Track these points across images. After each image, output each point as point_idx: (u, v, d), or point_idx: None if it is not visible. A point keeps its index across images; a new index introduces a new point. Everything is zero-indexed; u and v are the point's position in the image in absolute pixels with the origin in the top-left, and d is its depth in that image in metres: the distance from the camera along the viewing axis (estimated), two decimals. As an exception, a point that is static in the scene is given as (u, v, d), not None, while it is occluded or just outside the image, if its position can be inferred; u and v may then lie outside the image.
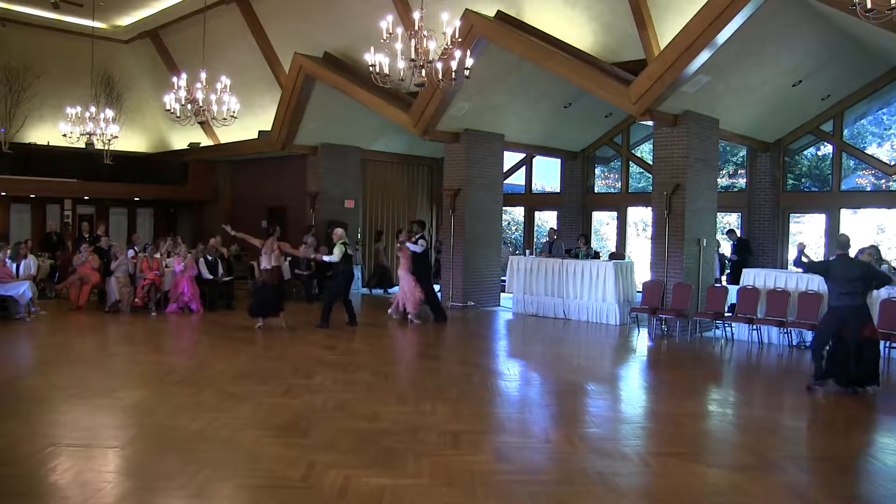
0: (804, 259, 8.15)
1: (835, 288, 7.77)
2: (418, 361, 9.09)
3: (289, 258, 15.16)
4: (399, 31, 8.09)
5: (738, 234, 14.33)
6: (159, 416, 6.26)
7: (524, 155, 17.23)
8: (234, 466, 5.09)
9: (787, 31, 10.15)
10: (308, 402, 6.79)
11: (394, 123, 14.61)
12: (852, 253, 8.15)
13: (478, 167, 14.31)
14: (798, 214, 14.70)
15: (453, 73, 8.13)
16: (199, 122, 14.33)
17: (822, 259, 8.40)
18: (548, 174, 18.04)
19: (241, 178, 20.43)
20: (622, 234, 16.13)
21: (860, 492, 5.01)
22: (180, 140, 20.53)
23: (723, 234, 14.41)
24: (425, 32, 7.99)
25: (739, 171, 16.12)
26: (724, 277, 14.07)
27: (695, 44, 9.81)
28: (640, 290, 12.23)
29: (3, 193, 17.71)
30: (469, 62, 8.43)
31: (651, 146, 12.99)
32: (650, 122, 11.47)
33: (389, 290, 16.32)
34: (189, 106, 11.15)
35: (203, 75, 11.22)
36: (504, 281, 14.47)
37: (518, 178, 17.84)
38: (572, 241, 14.63)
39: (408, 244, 12.09)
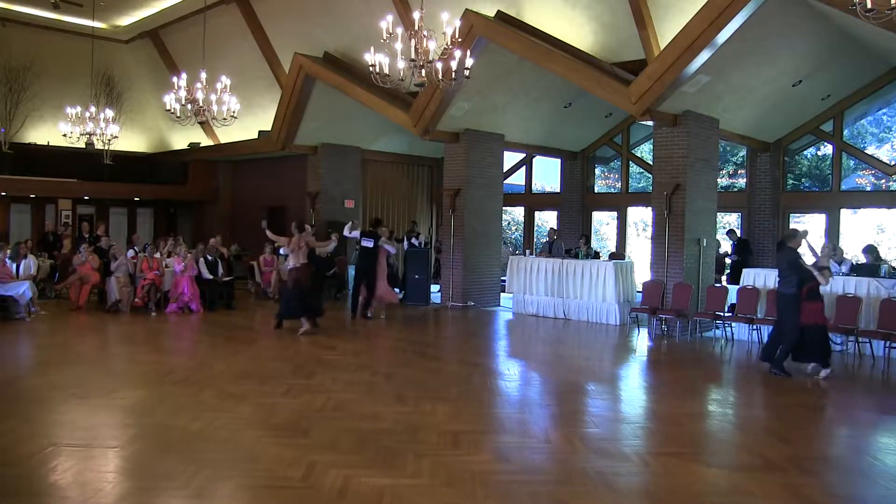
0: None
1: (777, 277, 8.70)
2: (418, 361, 9.09)
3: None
4: (399, 31, 8.08)
5: (738, 234, 14.33)
6: (159, 416, 6.26)
7: (524, 155, 17.23)
8: (234, 466, 5.09)
9: (787, 31, 10.15)
10: (308, 402, 6.79)
11: (394, 123, 14.61)
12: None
13: (478, 167, 14.32)
14: (798, 214, 14.69)
15: (453, 73, 8.12)
16: (199, 122, 14.31)
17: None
18: (548, 174, 18.05)
19: (241, 178, 20.44)
20: (622, 234, 16.13)
21: (860, 492, 5.01)
22: (180, 140, 20.53)
23: (723, 234, 14.40)
24: (425, 32, 7.99)
25: (739, 171, 16.12)
26: (724, 277, 14.07)
27: (695, 44, 9.81)
28: (640, 290, 12.23)
29: (3, 193, 17.71)
30: (469, 62, 8.43)
31: (651, 146, 12.99)
32: (650, 122, 11.47)
33: (396, 290, 16.30)
34: (189, 106, 11.14)
35: (203, 75, 11.21)
36: (504, 281, 14.48)
37: (518, 178, 17.84)
38: (572, 241, 14.64)
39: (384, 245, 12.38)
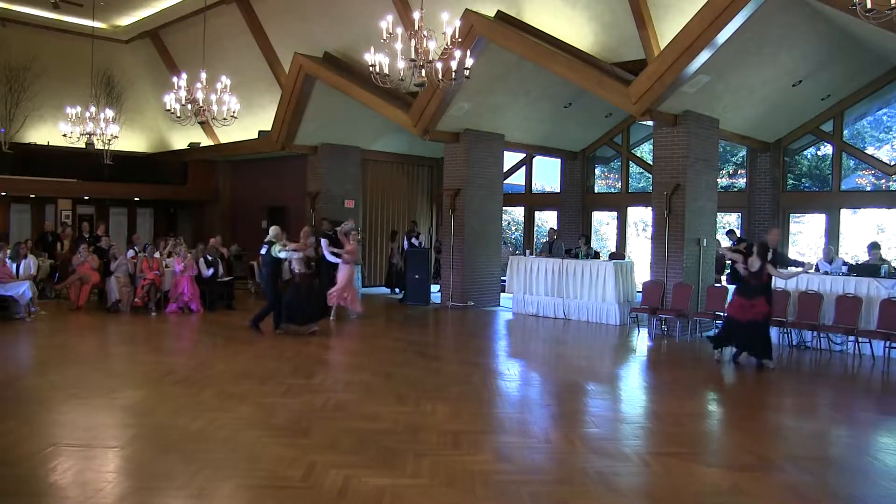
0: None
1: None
2: (418, 361, 9.09)
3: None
4: (399, 31, 8.08)
5: (738, 234, 14.33)
6: (159, 416, 6.26)
7: (524, 155, 17.24)
8: (234, 466, 5.09)
9: (787, 31, 10.15)
10: (308, 402, 6.79)
11: (394, 123, 14.61)
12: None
13: (478, 167, 14.32)
14: (798, 214, 14.71)
15: (453, 73, 8.12)
16: (199, 122, 14.31)
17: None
18: (548, 174, 18.05)
19: (241, 178, 20.44)
20: (622, 234, 16.13)
21: (860, 492, 5.01)
22: (180, 140, 20.53)
23: (723, 234, 14.40)
24: (425, 32, 7.99)
25: (739, 171, 16.12)
26: (723, 277, 14.06)
27: (695, 44, 9.81)
28: (640, 290, 12.23)
29: (3, 193, 17.71)
30: (469, 62, 8.43)
31: (651, 146, 12.99)
32: (650, 122, 11.47)
33: (397, 290, 16.34)
34: (189, 106, 11.14)
35: (203, 75, 11.21)
36: (504, 281, 14.48)
37: (518, 178, 17.84)
38: (572, 241, 14.64)
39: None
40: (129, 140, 19.99)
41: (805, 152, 14.70)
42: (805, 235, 15.61)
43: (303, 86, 15.22)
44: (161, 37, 18.91)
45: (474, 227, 14.29)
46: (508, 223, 19.72)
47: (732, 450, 5.93)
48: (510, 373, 8.82)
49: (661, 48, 11.00)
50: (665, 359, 9.94)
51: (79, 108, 14.02)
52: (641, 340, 11.12)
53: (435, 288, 15.43)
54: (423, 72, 8.12)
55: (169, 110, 11.28)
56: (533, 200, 17.81)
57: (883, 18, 6.17)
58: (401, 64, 8.08)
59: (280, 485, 4.71)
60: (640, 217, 17.20)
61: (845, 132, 13.45)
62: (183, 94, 11.02)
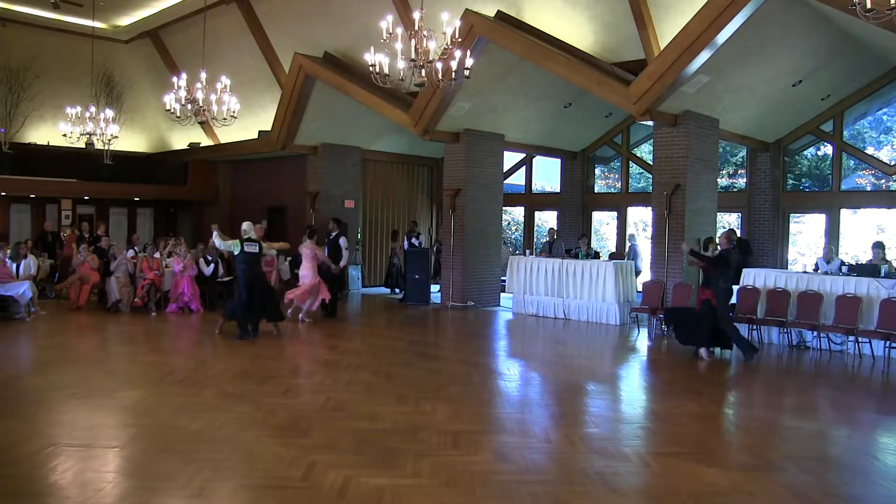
0: (704, 253, 9.73)
1: (728, 272, 9.63)
2: (418, 361, 9.09)
3: (289, 258, 15.19)
4: (399, 31, 8.08)
5: (738, 234, 14.31)
6: (159, 416, 6.26)
7: (524, 155, 17.24)
8: (234, 466, 5.09)
9: (787, 31, 10.16)
10: (308, 402, 6.79)
11: (394, 123, 14.61)
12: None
13: (478, 167, 14.32)
14: (798, 214, 14.71)
15: (453, 73, 8.12)
16: (199, 122, 14.31)
17: (717, 253, 9.76)
18: (548, 174, 18.05)
19: (241, 178, 20.44)
20: (622, 234, 16.13)
21: (860, 492, 5.01)
22: (180, 140, 20.53)
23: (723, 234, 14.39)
24: (425, 32, 7.99)
25: (739, 171, 16.12)
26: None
27: (695, 44, 9.82)
28: (640, 290, 12.23)
29: (3, 193, 17.70)
30: (469, 62, 8.43)
31: (651, 146, 12.99)
32: (650, 122, 11.47)
33: (397, 290, 16.34)
34: (189, 106, 11.15)
35: (203, 75, 11.22)
36: (504, 281, 14.48)
37: (518, 178, 17.84)
38: (572, 241, 14.64)
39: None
40: (129, 140, 19.99)
41: (805, 152, 14.70)
42: (805, 235, 15.62)
43: (303, 86, 15.22)
44: (161, 37, 18.90)
45: (474, 227, 14.29)
46: (508, 223, 19.72)
47: (732, 450, 5.92)
48: (510, 373, 8.82)
49: (661, 48, 11.00)
50: (665, 359, 9.94)
51: (79, 108, 14.02)
52: (641, 340, 11.11)
53: (435, 288, 15.44)
54: (423, 72, 8.12)
55: (169, 110, 11.28)
56: (533, 200, 17.81)
57: (883, 18, 6.17)
58: (401, 64, 8.08)
59: (280, 485, 4.71)
60: (640, 217, 17.20)
61: (845, 132, 13.45)
62: (183, 94, 11.02)
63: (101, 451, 5.29)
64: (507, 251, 17.05)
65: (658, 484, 4.97)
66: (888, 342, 9.27)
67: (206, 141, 20.03)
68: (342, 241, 12.66)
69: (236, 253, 10.23)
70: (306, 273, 11.65)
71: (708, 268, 9.44)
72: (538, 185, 18.08)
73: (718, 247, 9.84)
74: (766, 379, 8.98)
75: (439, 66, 8.12)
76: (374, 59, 8.16)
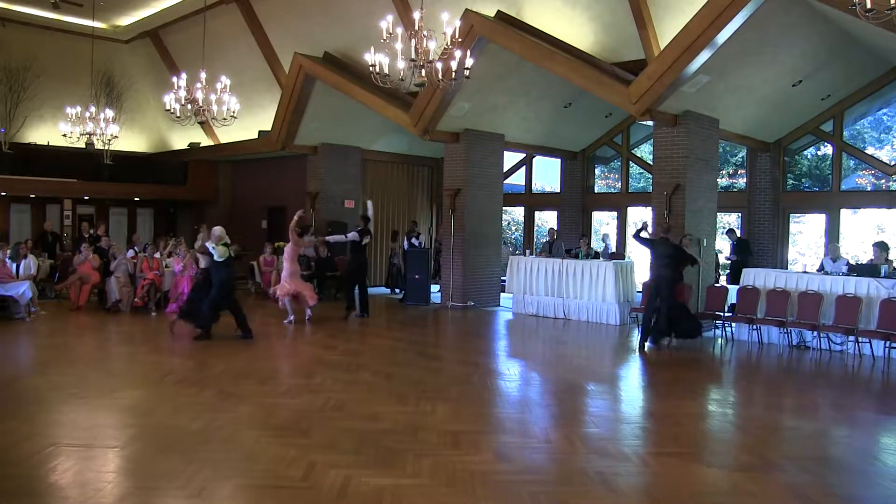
0: (643, 234, 10.50)
1: (654, 262, 10.26)
2: (418, 361, 9.08)
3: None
4: (399, 31, 8.08)
5: (738, 234, 14.33)
6: (159, 416, 6.26)
7: (524, 155, 17.24)
8: (234, 466, 5.09)
9: (787, 31, 10.15)
10: (308, 402, 6.78)
11: (394, 123, 14.61)
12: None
13: (478, 167, 14.32)
14: (798, 214, 14.71)
15: (453, 73, 8.12)
16: (199, 122, 14.32)
17: (651, 237, 10.62)
18: (548, 174, 18.05)
19: (241, 178, 20.44)
20: (622, 234, 16.12)
21: (860, 492, 5.01)
22: (180, 140, 20.54)
23: (723, 234, 14.41)
24: (425, 32, 7.99)
25: (739, 171, 16.12)
26: (723, 277, 14.08)
27: (695, 44, 9.81)
28: (640, 290, 12.22)
29: (3, 193, 17.71)
30: (469, 62, 8.43)
31: (651, 146, 12.99)
32: (650, 122, 11.47)
33: (397, 290, 16.34)
34: (189, 106, 11.15)
35: (203, 75, 11.22)
36: (504, 281, 14.47)
37: (518, 178, 17.84)
38: (572, 241, 14.64)
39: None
40: (129, 140, 19.99)
41: (805, 152, 14.70)
42: (805, 235, 15.62)
43: (303, 86, 15.23)
44: (161, 37, 18.91)
45: (474, 227, 14.29)
46: (508, 223, 19.72)
47: (732, 450, 5.92)
48: (510, 373, 8.82)
49: (661, 48, 11.00)
50: (665, 359, 9.94)
51: (79, 108, 14.03)
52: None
53: (435, 288, 15.44)
54: (423, 72, 8.12)
55: (169, 110, 11.28)
56: (533, 200, 17.81)
57: (883, 18, 6.17)
58: (401, 64, 8.08)
59: (280, 485, 4.71)
60: (640, 217, 17.19)
61: (845, 132, 13.45)
62: (183, 94, 11.02)
63: (101, 451, 5.29)
64: (507, 251, 17.05)
65: (658, 484, 4.97)
66: (888, 342, 9.27)
67: (206, 141, 20.04)
68: (353, 233, 12.55)
69: (221, 259, 10.01)
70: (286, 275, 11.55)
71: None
72: (538, 185, 18.09)
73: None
74: (766, 379, 8.98)
75: (439, 66, 8.12)
76: (374, 59, 8.16)
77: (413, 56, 8.06)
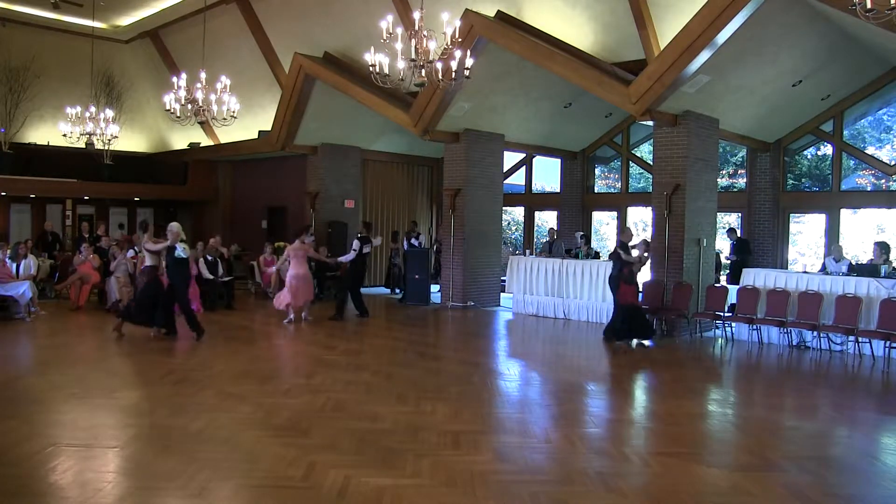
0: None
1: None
2: (418, 361, 9.09)
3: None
4: (399, 31, 8.08)
5: (739, 234, 14.33)
6: (159, 416, 6.26)
7: (524, 155, 17.24)
8: (234, 466, 5.09)
9: (787, 31, 10.15)
10: (308, 402, 6.79)
11: (394, 123, 14.61)
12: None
13: (478, 167, 14.32)
14: (798, 214, 14.71)
15: (453, 73, 8.12)
16: (199, 122, 14.31)
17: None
18: (548, 174, 18.05)
19: (241, 178, 20.44)
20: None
21: (860, 492, 5.01)
22: (180, 140, 20.53)
23: (723, 233, 14.41)
24: (425, 32, 7.99)
25: (739, 171, 16.12)
26: (723, 277, 14.08)
27: (695, 44, 9.81)
28: (641, 289, 12.21)
29: (3, 193, 17.71)
30: (469, 62, 8.42)
31: (651, 146, 12.99)
32: (650, 122, 11.47)
33: (397, 290, 16.34)
34: (189, 106, 11.14)
35: (203, 75, 11.21)
36: (504, 281, 14.47)
37: (518, 178, 17.84)
38: (572, 241, 14.63)
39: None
40: (129, 140, 19.99)
41: (805, 152, 14.70)
42: (805, 235, 15.62)
43: (303, 86, 15.22)
44: (161, 37, 18.91)
45: (474, 227, 14.29)
46: (508, 223, 19.72)
47: (732, 450, 5.92)
48: (510, 373, 8.82)
49: (661, 48, 11.00)
50: (665, 359, 9.94)
51: (79, 108, 14.02)
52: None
53: (435, 288, 15.44)
54: (423, 72, 8.12)
55: (169, 110, 11.27)
56: (533, 200, 17.81)
57: (883, 18, 6.17)
58: (401, 64, 8.08)
59: (280, 485, 4.71)
60: (640, 217, 17.20)
61: (845, 132, 13.44)
62: (183, 94, 11.02)
63: (101, 451, 5.29)
64: (507, 251, 17.05)
65: (658, 484, 4.97)
66: (888, 342, 9.27)
67: (206, 141, 20.04)
68: (355, 242, 12.51)
69: (186, 255, 9.98)
70: (294, 273, 11.53)
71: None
72: (538, 185, 18.09)
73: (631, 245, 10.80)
74: (766, 379, 8.99)
75: (439, 66, 8.12)
76: (374, 59, 8.16)
77: (413, 56, 8.06)
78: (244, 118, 15.69)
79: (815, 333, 10.11)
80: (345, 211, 16.96)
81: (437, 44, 8.25)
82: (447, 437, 5.76)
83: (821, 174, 14.65)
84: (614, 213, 16.65)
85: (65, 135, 14.08)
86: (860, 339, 9.66)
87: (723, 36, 9.62)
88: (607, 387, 8.26)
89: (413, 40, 8.03)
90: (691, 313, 11.15)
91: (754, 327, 10.66)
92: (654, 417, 6.81)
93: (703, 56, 9.92)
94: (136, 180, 19.62)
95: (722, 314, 10.93)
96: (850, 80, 12.51)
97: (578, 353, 10.41)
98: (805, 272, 10.96)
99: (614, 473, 5.05)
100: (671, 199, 11.24)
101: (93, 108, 14.19)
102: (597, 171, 17.21)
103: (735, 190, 15.80)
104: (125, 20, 18.11)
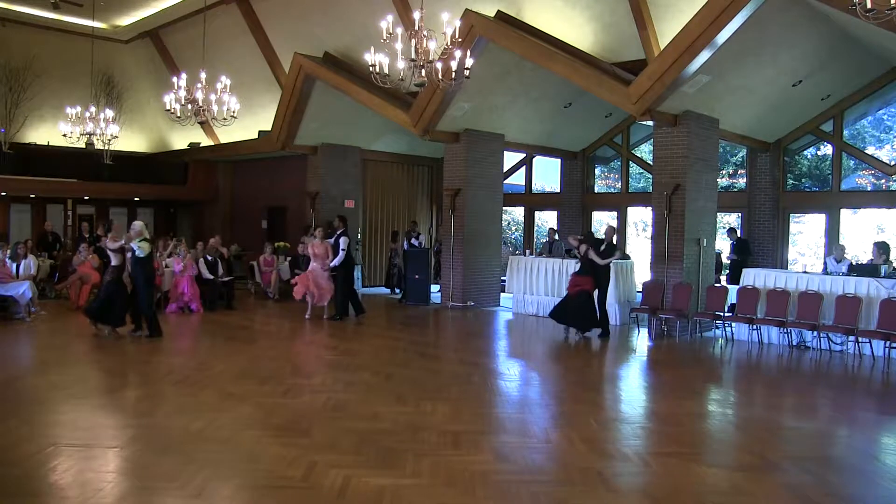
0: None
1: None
2: (418, 361, 9.09)
3: (289, 258, 15.19)
4: (399, 31, 8.08)
5: (739, 234, 14.33)
6: (159, 416, 6.26)
7: (524, 155, 17.23)
8: (234, 466, 5.09)
9: (786, 31, 10.15)
10: (308, 402, 6.79)
11: (394, 123, 14.61)
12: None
13: (478, 167, 14.32)
14: (798, 214, 14.71)
15: (453, 73, 8.12)
16: (199, 122, 14.31)
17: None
18: (548, 174, 18.05)
19: (241, 178, 20.44)
20: (622, 234, 16.12)
21: (860, 492, 5.01)
22: (180, 140, 20.53)
23: (723, 233, 14.41)
24: (425, 32, 7.99)
25: (739, 171, 16.12)
26: (723, 277, 14.07)
27: (695, 44, 9.81)
28: (640, 289, 12.23)
29: (3, 193, 17.70)
30: (469, 62, 8.42)
31: (651, 146, 12.99)
32: (650, 122, 11.46)
33: (397, 290, 16.33)
34: (189, 106, 11.14)
35: (203, 75, 11.21)
36: (504, 281, 14.47)
37: (518, 178, 17.84)
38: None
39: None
40: (129, 140, 19.99)
41: (805, 152, 14.70)
42: (805, 235, 15.62)
43: (303, 86, 15.22)
44: (161, 37, 18.90)
45: (474, 227, 14.28)
46: (508, 223, 19.72)
47: (732, 450, 5.92)
48: (510, 373, 8.82)
49: (661, 48, 11.00)
50: (665, 359, 9.94)
51: (79, 108, 14.02)
52: (641, 340, 11.12)
53: (435, 288, 15.43)
54: (423, 72, 8.12)
55: (169, 110, 11.27)
56: (533, 200, 17.81)
57: (883, 18, 6.17)
58: (401, 64, 8.08)
59: (280, 485, 4.71)
60: (640, 217, 17.20)
61: (845, 132, 13.44)
62: (183, 94, 11.02)
63: (101, 451, 5.29)
64: (507, 251, 17.05)
65: (658, 484, 4.97)
66: (888, 342, 9.27)
67: (206, 141, 20.04)
68: (342, 240, 12.52)
69: (144, 255, 9.93)
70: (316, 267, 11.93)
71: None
72: (538, 185, 18.09)
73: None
74: (766, 379, 8.99)
75: (439, 66, 8.12)
76: (374, 59, 8.16)
77: (413, 56, 8.06)
78: (244, 118, 15.68)
79: (815, 333, 10.10)
80: (345, 211, 16.94)
81: (437, 44, 8.25)
82: (447, 437, 5.76)
83: (821, 174, 14.65)
84: (614, 213, 16.64)
85: (65, 135, 14.08)
86: (860, 339, 9.66)
87: (723, 36, 9.62)
88: (607, 387, 8.26)
89: (413, 40, 8.03)
90: (691, 313, 11.14)
91: (754, 327, 10.66)
92: (654, 417, 6.81)
93: (703, 56, 9.92)
94: (137, 180, 19.61)
95: (722, 314, 10.93)
96: (850, 80, 12.51)
97: (578, 353, 10.40)
98: (805, 272, 10.96)
99: (614, 473, 5.05)
100: (671, 199, 11.24)
101: (93, 108, 14.19)
102: (597, 171, 17.21)
103: (735, 190, 15.80)
104: (125, 20, 18.11)
